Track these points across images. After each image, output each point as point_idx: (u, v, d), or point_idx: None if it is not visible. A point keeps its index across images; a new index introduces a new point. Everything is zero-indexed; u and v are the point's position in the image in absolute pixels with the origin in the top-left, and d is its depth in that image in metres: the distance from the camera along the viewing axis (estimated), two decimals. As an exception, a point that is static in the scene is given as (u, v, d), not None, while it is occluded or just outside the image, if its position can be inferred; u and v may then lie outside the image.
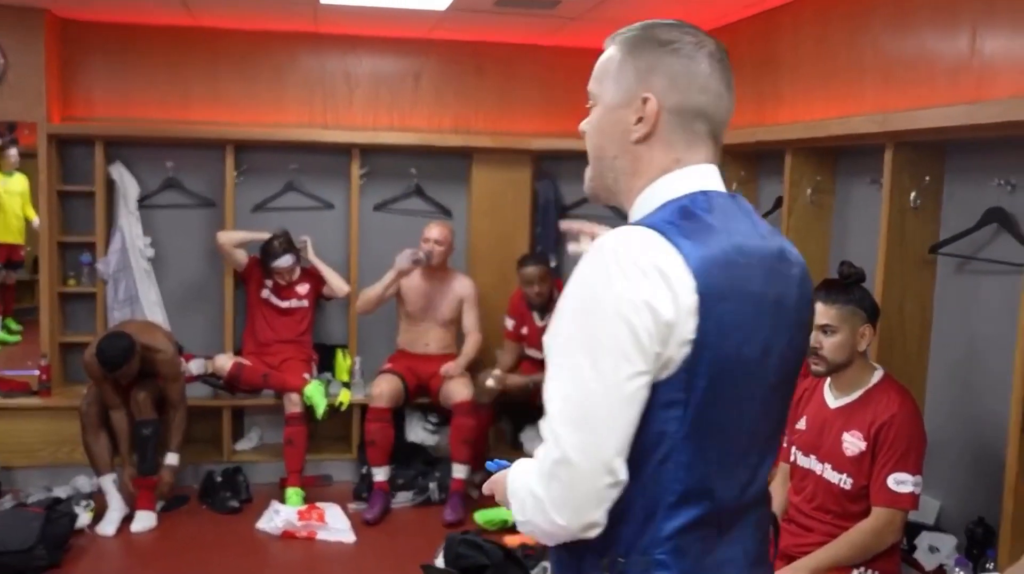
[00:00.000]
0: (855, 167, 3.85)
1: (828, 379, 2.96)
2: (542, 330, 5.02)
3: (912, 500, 2.75)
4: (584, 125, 1.47)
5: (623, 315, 1.23)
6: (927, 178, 3.34)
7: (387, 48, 5.58)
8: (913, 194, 3.33)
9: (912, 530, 3.26)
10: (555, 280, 5.11)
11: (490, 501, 4.81)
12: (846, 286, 2.89)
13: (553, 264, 5.48)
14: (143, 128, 5.18)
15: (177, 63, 5.34)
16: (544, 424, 1.28)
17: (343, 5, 4.66)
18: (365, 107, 5.58)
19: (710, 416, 1.30)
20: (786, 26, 4.24)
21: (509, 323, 5.17)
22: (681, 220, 1.31)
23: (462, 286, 5.19)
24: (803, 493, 2.96)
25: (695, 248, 1.27)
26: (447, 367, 4.98)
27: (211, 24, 5.28)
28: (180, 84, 5.36)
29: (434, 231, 5.06)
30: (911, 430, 2.78)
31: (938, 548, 3.23)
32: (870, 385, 2.87)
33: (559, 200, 5.74)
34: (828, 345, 2.84)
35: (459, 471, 4.83)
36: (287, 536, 4.53)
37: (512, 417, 5.45)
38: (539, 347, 5.06)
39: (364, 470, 5.04)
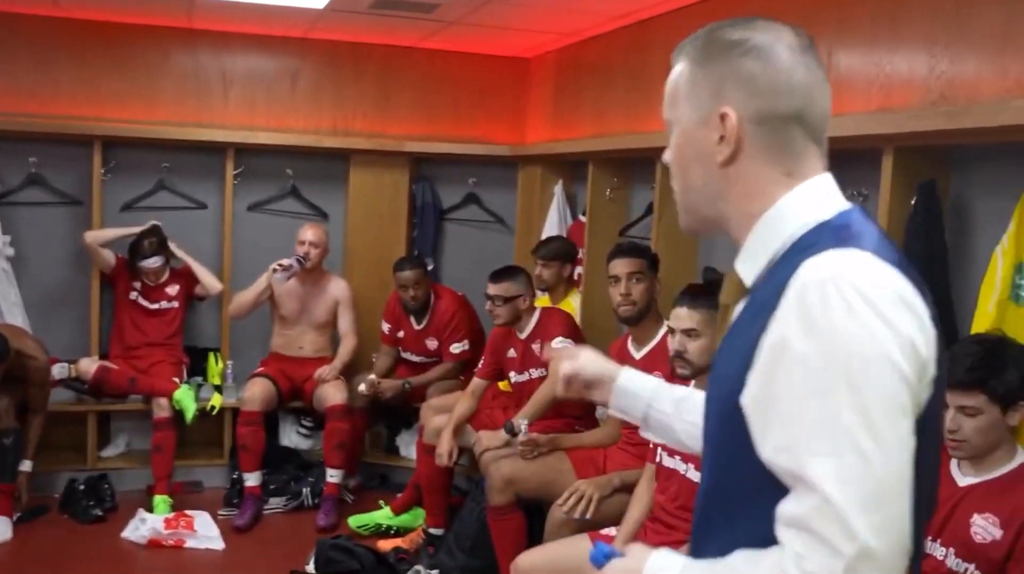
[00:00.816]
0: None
1: (693, 382, 3.04)
2: (419, 334, 5.03)
3: None
4: (666, 156, 1.31)
5: (891, 360, 1.04)
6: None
7: (264, 46, 5.49)
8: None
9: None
10: (432, 284, 5.11)
11: (364, 505, 4.84)
12: (710, 291, 2.97)
13: (430, 267, 5.49)
14: (2, 121, 4.96)
15: (43, 55, 5.13)
16: (804, 516, 1.03)
17: (218, 1, 4.57)
18: (240, 106, 5.48)
19: (924, 467, 1.12)
20: (658, 37, 4.34)
21: (385, 327, 5.15)
22: (870, 238, 1.14)
23: (337, 288, 5.15)
24: (667, 493, 3.04)
25: (904, 269, 1.12)
26: (321, 371, 4.93)
27: (80, 16, 5.09)
28: (46, 77, 5.14)
29: (309, 233, 5.00)
30: None
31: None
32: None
33: (437, 203, 5.75)
34: (693, 349, 2.92)
35: (333, 476, 4.78)
36: (153, 545, 4.40)
37: (388, 421, 5.43)
38: (416, 351, 5.08)
39: (236, 475, 4.94)
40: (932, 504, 1.22)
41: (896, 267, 1.10)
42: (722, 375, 1.20)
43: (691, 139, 1.25)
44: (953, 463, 2.43)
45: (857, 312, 1.04)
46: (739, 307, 1.26)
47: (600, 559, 1.31)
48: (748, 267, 1.23)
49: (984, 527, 2.30)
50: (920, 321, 1.08)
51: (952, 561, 2.34)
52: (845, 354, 1.04)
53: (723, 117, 1.20)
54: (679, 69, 1.28)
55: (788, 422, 1.06)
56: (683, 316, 2.91)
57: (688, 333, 2.91)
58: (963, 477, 2.41)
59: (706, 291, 2.97)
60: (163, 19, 5.15)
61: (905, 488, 1.04)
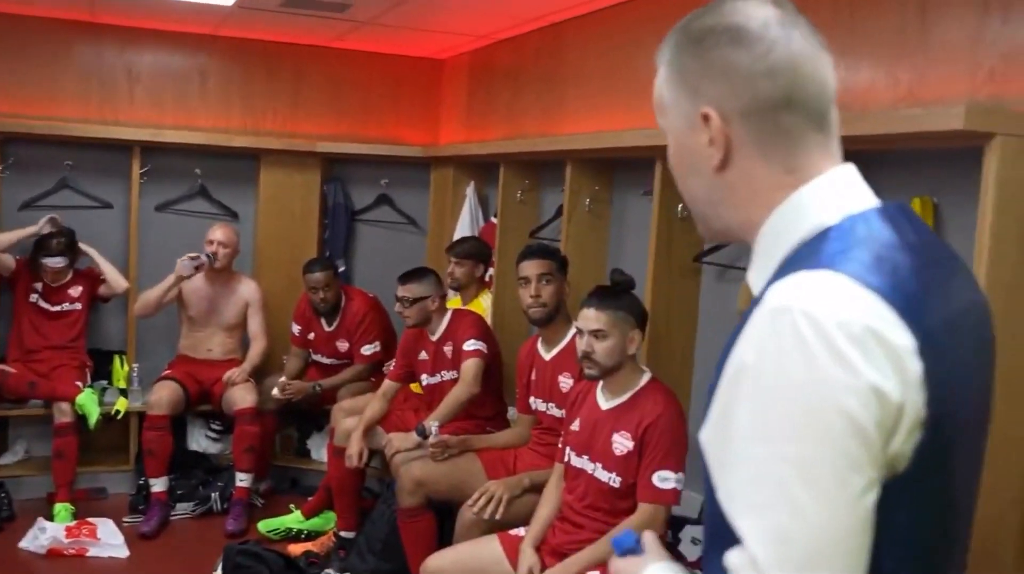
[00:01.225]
0: (629, 179, 4.03)
1: (601, 382, 3.08)
2: (329, 336, 4.98)
3: (674, 495, 2.90)
4: (672, 168, 1.20)
5: (843, 409, 0.90)
6: (693, 191, 3.52)
7: (171, 43, 5.38)
8: (680, 206, 3.51)
9: (676, 524, 3.44)
10: (342, 286, 5.08)
11: (275, 509, 4.78)
12: (616, 293, 3.02)
13: (341, 269, 5.45)
14: None
15: (-66, 48, 4.96)
16: (736, 570, 0.95)
17: (121, -4, 4.47)
18: (147, 104, 5.36)
19: (941, 523, 1.02)
20: (571, 41, 4.39)
21: (296, 328, 5.09)
22: (864, 252, 0.98)
23: (247, 289, 5.07)
24: (575, 492, 3.07)
25: (900, 290, 0.96)
26: (231, 373, 4.85)
27: (-26, 8, 4.93)
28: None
29: (218, 233, 4.92)
30: (674, 430, 2.93)
31: (700, 540, 3.42)
32: (638, 387, 3.01)
33: (349, 204, 5.71)
34: (600, 349, 2.95)
35: (242, 480, 4.71)
36: (54, 554, 4.27)
37: (299, 424, 5.37)
38: (326, 352, 5.04)
39: (141, 481, 4.83)
40: (956, 556, 1.08)
41: (884, 291, 0.94)
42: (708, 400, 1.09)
43: (683, 147, 1.14)
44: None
45: (809, 351, 0.91)
46: None
47: (621, 546, 1.28)
48: (755, 280, 1.11)
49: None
50: (896, 361, 0.92)
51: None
52: (790, 398, 0.92)
53: (705, 118, 1.09)
54: (660, 74, 1.17)
55: (732, 467, 0.97)
56: (590, 317, 2.95)
57: (595, 334, 2.94)
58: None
59: (613, 292, 3.01)
60: (64, 12, 5.01)
61: (850, 551, 0.91)
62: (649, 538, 1.27)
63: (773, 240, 1.08)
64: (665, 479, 2.87)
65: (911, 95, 2.64)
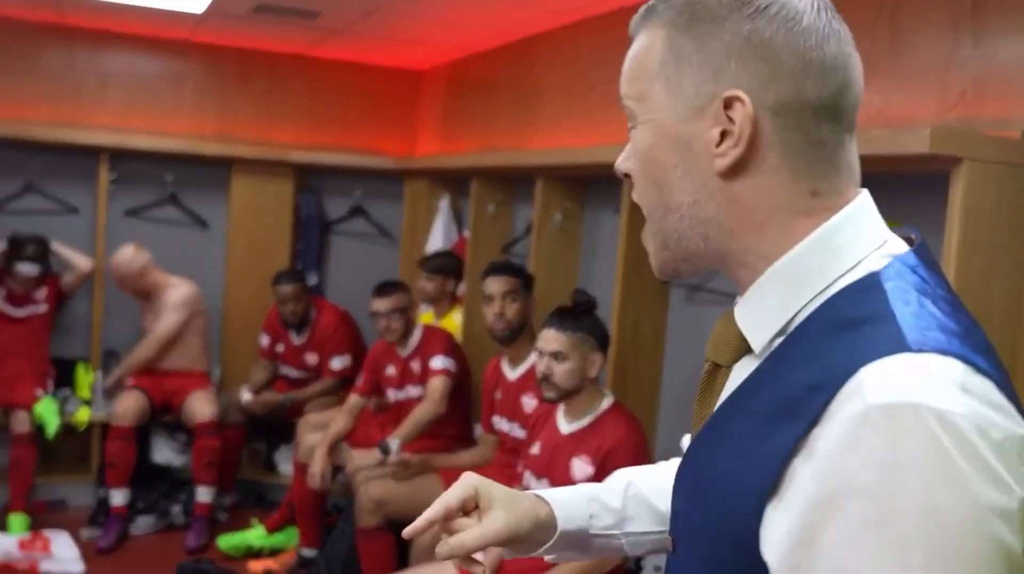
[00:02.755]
0: (601, 196, 3.96)
1: (562, 405, 3.01)
2: (298, 349, 4.90)
3: None
4: (623, 162, 0.95)
5: (994, 538, 0.71)
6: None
7: (145, 48, 5.30)
8: (650, 224, 3.45)
9: (639, 550, 3.36)
10: (313, 298, 4.99)
11: (239, 524, 4.67)
12: (578, 314, 2.95)
13: (313, 282, 5.37)
14: None
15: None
16: None
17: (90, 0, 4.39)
18: (118, 108, 5.28)
19: None
20: (543, 55, 4.33)
21: (264, 340, 5.00)
22: (944, 317, 0.79)
23: (173, 293, 4.82)
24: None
25: (997, 368, 0.78)
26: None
27: (-58, 8, 4.85)
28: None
29: (112, 266, 4.75)
30: (636, 457, 2.84)
31: (663, 568, 3.33)
32: (600, 411, 2.93)
33: (322, 215, 5.63)
34: (559, 372, 2.88)
35: (203, 495, 4.61)
36: (5, 569, 4.16)
37: (266, 437, 5.28)
38: (295, 365, 4.95)
39: (102, 493, 4.73)
40: None
41: (995, 376, 0.76)
42: (721, 479, 0.84)
43: (674, 138, 0.88)
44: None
45: (937, 465, 0.70)
46: (739, 375, 0.91)
47: None
48: (757, 326, 0.89)
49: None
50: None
51: None
52: (925, 519, 0.70)
53: (730, 103, 0.84)
54: (647, 39, 0.91)
55: None
56: (550, 338, 2.88)
57: (555, 356, 2.87)
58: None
59: (574, 313, 2.94)
60: (32, 13, 4.92)
61: None
62: None
63: (793, 278, 0.86)
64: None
65: (880, 116, 2.59)
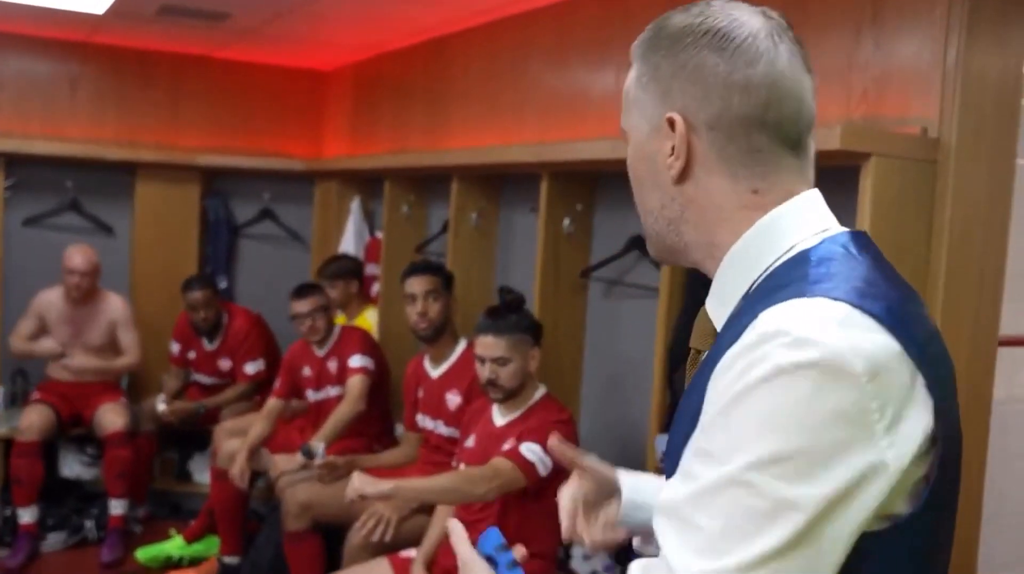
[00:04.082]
0: (516, 195, 4.03)
1: (501, 405, 3.06)
2: (211, 355, 4.83)
3: (531, 469, 2.78)
4: (629, 175, 1.11)
5: (858, 475, 0.84)
6: (579, 207, 3.55)
7: (38, 49, 5.15)
8: (567, 221, 3.53)
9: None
10: (223, 303, 4.93)
11: (155, 535, 4.58)
12: (508, 314, 3.00)
13: (223, 286, 5.30)
14: None
15: None
16: None
17: (-17, 0, 4.25)
18: (12, 112, 5.12)
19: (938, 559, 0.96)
20: (457, 55, 4.37)
21: (175, 347, 4.92)
22: (853, 277, 0.91)
23: (112, 307, 4.78)
24: (470, 508, 3.03)
25: (896, 317, 0.89)
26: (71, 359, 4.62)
27: None
28: None
29: (77, 259, 4.58)
30: (561, 430, 2.89)
31: (590, 555, 3.42)
32: (533, 401, 3.00)
33: (230, 219, 5.56)
34: (504, 375, 2.92)
35: (117, 507, 4.50)
36: (-90, 592, 4.02)
37: (179, 446, 5.19)
38: (208, 372, 4.88)
39: (8, 512, 4.58)
40: None
41: (882, 315, 0.87)
42: (673, 439, 1.01)
43: (643, 153, 1.05)
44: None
45: (820, 384, 0.83)
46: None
47: (487, 546, 1.18)
48: (718, 309, 1.03)
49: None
50: (910, 394, 0.87)
51: None
52: (800, 433, 0.83)
53: (671, 123, 1.00)
54: (631, 72, 1.07)
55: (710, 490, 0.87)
56: (490, 344, 2.92)
57: (498, 361, 2.91)
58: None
59: (506, 314, 2.99)
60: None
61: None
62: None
63: (741, 264, 1.00)
64: (532, 451, 2.80)
65: (822, 118, 2.70)
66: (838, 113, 2.59)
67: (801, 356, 0.84)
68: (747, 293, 0.99)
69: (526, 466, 2.80)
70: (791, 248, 0.98)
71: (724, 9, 1.01)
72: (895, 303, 0.90)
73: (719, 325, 1.02)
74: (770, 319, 0.88)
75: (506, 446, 2.89)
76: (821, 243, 0.97)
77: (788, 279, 0.93)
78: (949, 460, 0.91)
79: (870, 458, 0.84)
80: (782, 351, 0.84)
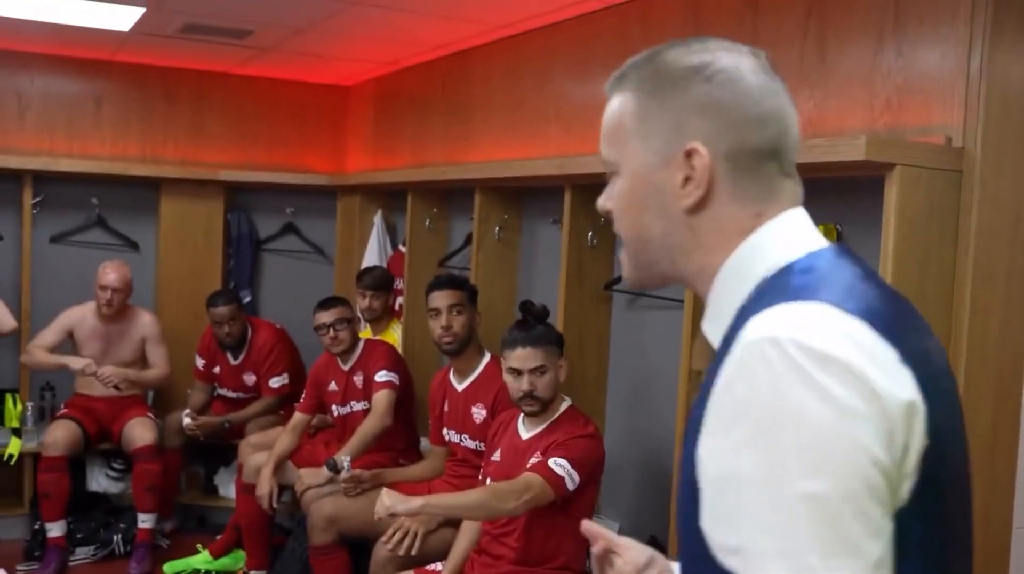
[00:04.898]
0: (539, 207, 4.04)
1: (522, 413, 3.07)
2: (235, 369, 4.86)
3: (559, 483, 2.79)
4: (605, 202, 1.12)
5: (858, 467, 0.85)
6: (602, 219, 3.53)
7: (64, 68, 5.22)
8: (590, 233, 3.54)
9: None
10: (248, 317, 4.96)
11: (181, 550, 4.61)
12: (537, 325, 3.01)
13: (247, 300, 5.33)
14: None
15: None
16: None
17: (10, 18, 4.30)
18: (39, 131, 5.18)
19: (944, 551, 0.96)
20: (478, 69, 4.39)
21: (200, 362, 4.95)
22: (835, 283, 0.96)
23: (142, 324, 4.85)
24: (496, 522, 3.03)
25: (880, 316, 0.92)
26: (104, 369, 4.59)
27: None
28: None
29: (111, 276, 4.63)
30: (588, 448, 2.91)
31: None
32: (559, 413, 3.01)
33: (254, 233, 5.60)
34: (541, 386, 2.94)
35: (144, 521, 4.53)
36: (-59, 607, 4.06)
37: (205, 460, 5.22)
38: (233, 386, 4.91)
39: (37, 526, 4.62)
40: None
41: (867, 318, 0.91)
42: (686, 448, 1.00)
43: (647, 183, 1.07)
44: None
45: (812, 380, 0.86)
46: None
47: None
48: (714, 327, 1.06)
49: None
50: (894, 386, 0.88)
51: None
52: (801, 430, 0.85)
53: (690, 154, 1.03)
54: (621, 102, 1.09)
55: (741, 515, 0.88)
56: (527, 356, 2.94)
57: (535, 371, 2.93)
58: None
59: (535, 325, 3.01)
60: (-50, 38, 4.82)
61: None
62: None
63: (731, 283, 1.04)
64: (560, 465, 2.81)
65: (811, 126, 2.70)
66: (862, 123, 2.59)
67: (787, 354, 0.87)
68: (739, 308, 1.01)
69: (555, 481, 2.80)
70: (776, 264, 1.01)
71: (723, 47, 1.07)
72: (876, 303, 0.94)
73: (716, 343, 1.05)
74: (755, 326, 0.92)
75: (533, 460, 2.89)
76: (805, 255, 1.01)
77: (773, 289, 0.98)
78: (944, 437, 0.92)
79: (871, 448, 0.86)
80: (770, 352, 0.88)
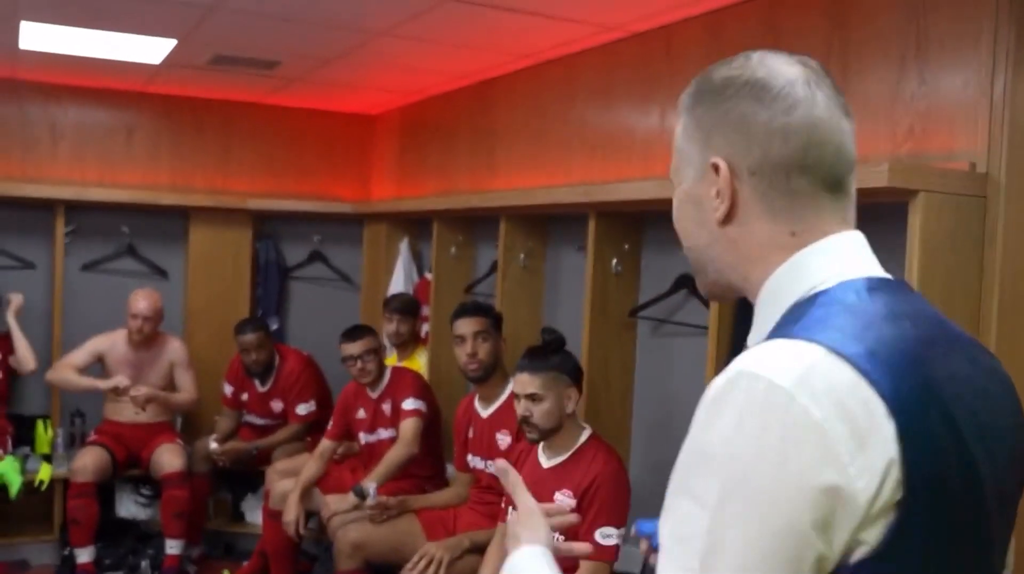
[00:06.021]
0: (563, 234, 4.06)
1: (540, 445, 3.07)
2: (263, 396, 4.89)
3: (615, 552, 2.88)
4: (675, 219, 1.15)
5: (800, 508, 0.85)
6: (627, 246, 3.57)
7: (96, 99, 5.31)
8: (615, 261, 3.55)
9: (619, 580, 3.42)
10: (276, 345, 5.00)
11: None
12: (548, 352, 3.02)
13: (274, 327, 5.37)
14: None
15: None
16: None
17: (45, 52, 4.39)
18: (71, 161, 5.27)
19: None
20: (502, 98, 4.43)
21: (228, 389, 4.99)
22: (848, 320, 0.93)
23: (172, 350, 4.93)
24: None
25: (879, 360, 0.90)
26: (137, 388, 4.63)
27: None
28: None
29: (142, 305, 4.71)
30: (616, 486, 2.92)
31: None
32: (579, 444, 3.00)
33: (281, 261, 5.65)
34: (537, 412, 2.94)
35: (172, 547, 4.56)
36: (-28, 632, 4.09)
37: (232, 486, 5.24)
38: (260, 413, 4.94)
39: (67, 552, 4.65)
40: None
41: (860, 362, 0.88)
42: None
43: (692, 197, 1.09)
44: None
45: (760, 435, 0.86)
46: None
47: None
48: (753, 343, 1.05)
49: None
50: (864, 449, 0.86)
51: None
52: (748, 492, 0.86)
53: (715, 169, 1.04)
54: (679, 122, 1.13)
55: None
56: (524, 381, 2.95)
57: (531, 398, 2.94)
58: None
59: (545, 353, 3.01)
60: (-15, 71, 4.92)
61: None
62: None
63: (771, 302, 1.03)
64: (608, 536, 2.86)
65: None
66: (885, 149, 2.58)
67: (742, 391, 0.89)
68: (771, 330, 1.00)
69: (608, 553, 2.84)
70: (811, 289, 1.00)
71: (763, 60, 1.06)
72: (886, 347, 0.91)
73: None
74: (739, 358, 0.93)
75: (570, 517, 2.90)
76: (837, 285, 0.99)
77: (794, 316, 0.97)
78: (927, 489, 0.89)
79: (829, 480, 0.86)
80: (728, 389, 0.91)
